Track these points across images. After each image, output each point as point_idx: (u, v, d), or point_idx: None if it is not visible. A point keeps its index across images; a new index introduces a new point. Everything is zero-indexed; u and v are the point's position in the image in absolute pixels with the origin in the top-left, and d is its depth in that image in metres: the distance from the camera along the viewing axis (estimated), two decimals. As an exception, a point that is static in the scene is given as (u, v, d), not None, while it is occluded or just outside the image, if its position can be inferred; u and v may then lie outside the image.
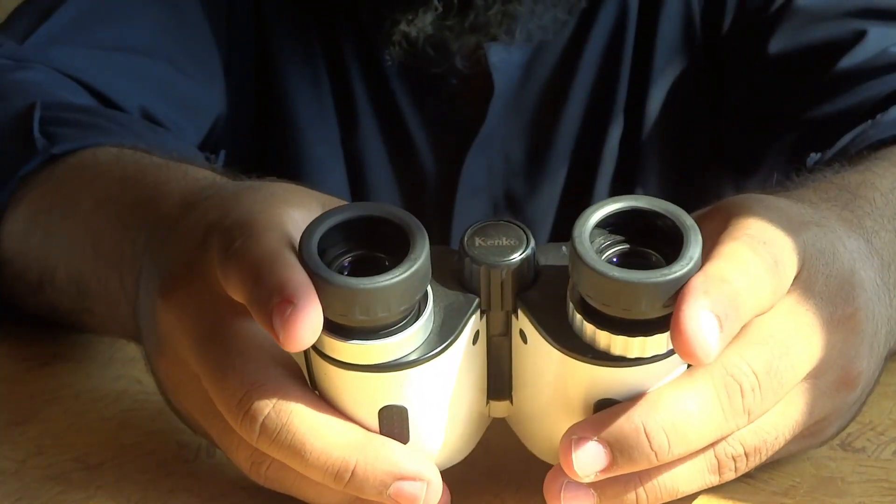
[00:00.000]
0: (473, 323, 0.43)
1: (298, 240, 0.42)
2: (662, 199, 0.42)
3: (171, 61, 0.79)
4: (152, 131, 0.70)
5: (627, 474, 0.42)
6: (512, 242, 0.43)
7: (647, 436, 0.40)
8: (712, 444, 0.42)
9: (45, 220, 0.60)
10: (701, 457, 0.42)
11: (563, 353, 0.42)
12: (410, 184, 0.87)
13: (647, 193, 0.86)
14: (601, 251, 0.41)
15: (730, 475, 0.43)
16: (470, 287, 0.43)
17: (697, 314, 0.39)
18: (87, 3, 0.77)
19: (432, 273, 0.42)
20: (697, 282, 0.40)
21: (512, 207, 0.88)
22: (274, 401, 0.41)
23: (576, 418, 0.42)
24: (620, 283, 0.39)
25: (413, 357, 0.42)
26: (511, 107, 0.85)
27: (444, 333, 0.42)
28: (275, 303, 0.39)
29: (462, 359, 0.43)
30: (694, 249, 0.40)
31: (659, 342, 0.41)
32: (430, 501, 0.42)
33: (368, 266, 0.41)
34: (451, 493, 0.46)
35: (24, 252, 0.61)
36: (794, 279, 0.43)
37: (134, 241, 0.51)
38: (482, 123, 0.84)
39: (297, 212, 0.45)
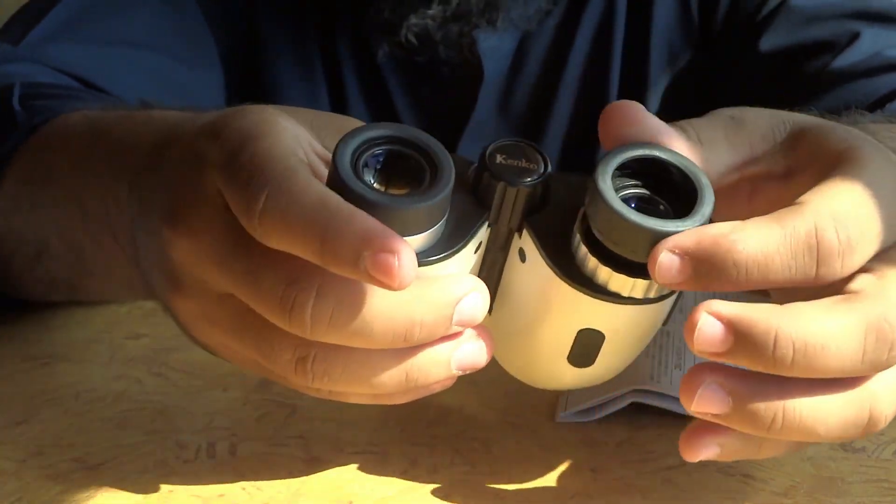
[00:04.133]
0: (480, 235, 0.44)
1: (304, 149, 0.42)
2: None
3: (170, 53, 0.79)
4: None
5: (766, 394, 0.40)
6: (531, 165, 0.44)
7: (774, 340, 0.39)
8: (867, 398, 0.41)
9: (28, 191, 0.60)
10: (856, 408, 0.41)
11: (561, 279, 0.43)
12: None
13: None
14: (618, 190, 0.42)
15: (869, 433, 0.41)
16: (483, 199, 0.44)
17: (665, 250, 0.40)
18: (83, 0, 0.78)
19: None
20: (712, 228, 0.40)
21: None
22: (316, 286, 0.40)
23: (553, 343, 0.43)
24: (635, 226, 0.40)
25: (421, 259, 0.42)
26: (502, 95, 0.86)
27: (453, 241, 0.43)
28: (368, 257, 0.38)
29: (462, 265, 0.44)
30: (707, 207, 0.41)
31: (654, 286, 0.42)
32: (485, 302, 0.42)
33: (397, 163, 0.42)
34: (452, 493, 0.46)
35: (17, 227, 0.61)
36: None
37: (116, 195, 0.50)
38: (473, 111, 0.85)
39: (289, 123, 0.44)
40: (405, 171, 0.42)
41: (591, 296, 0.42)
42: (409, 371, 0.42)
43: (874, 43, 0.75)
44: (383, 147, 0.42)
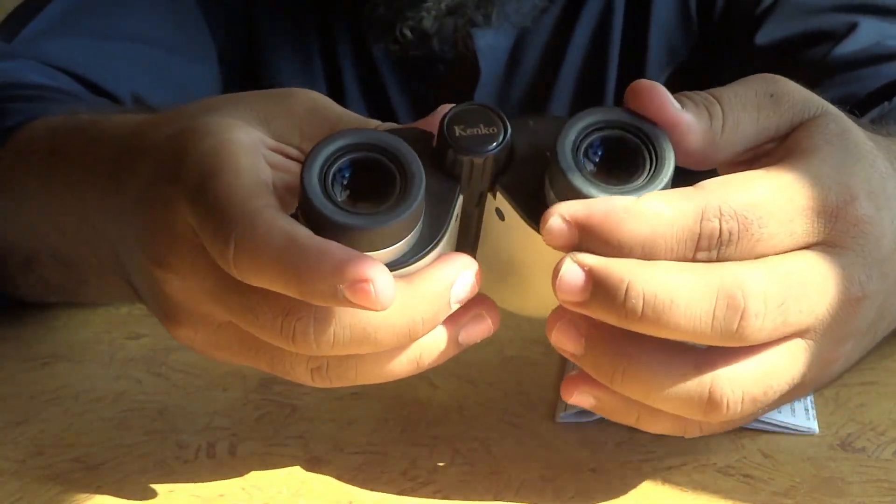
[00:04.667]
0: (457, 208, 0.44)
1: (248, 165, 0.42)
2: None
3: (167, 48, 0.79)
4: (107, 104, 0.70)
5: (615, 346, 0.41)
6: (491, 130, 0.43)
7: (626, 290, 0.40)
8: (707, 368, 0.41)
9: (3, 203, 0.60)
10: (695, 381, 0.41)
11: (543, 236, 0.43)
12: None
13: None
14: (585, 137, 0.42)
15: (713, 417, 0.42)
16: (451, 172, 0.44)
17: (556, 214, 0.41)
18: None
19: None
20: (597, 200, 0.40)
21: None
22: (312, 312, 0.41)
23: (546, 288, 0.43)
24: (574, 188, 0.41)
25: (409, 258, 0.42)
26: (499, 93, 0.86)
27: (434, 229, 0.43)
28: (345, 289, 0.39)
29: (446, 244, 0.44)
30: (663, 178, 0.41)
31: None
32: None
33: (366, 171, 0.42)
34: (452, 493, 0.46)
35: (2, 234, 0.61)
36: (832, 242, 0.42)
37: (88, 219, 0.50)
38: None
39: (243, 134, 0.44)
40: (376, 177, 0.42)
41: None
42: (420, 358, 0.43)
43: (873, 33, 0.74)
44: (350, 156, 0.42)
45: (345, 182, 0.42)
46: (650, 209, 0.40)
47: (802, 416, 0.50)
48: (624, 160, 0.42)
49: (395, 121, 0.87)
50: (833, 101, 0.71)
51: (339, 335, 0.41)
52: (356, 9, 0.83)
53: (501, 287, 0.47)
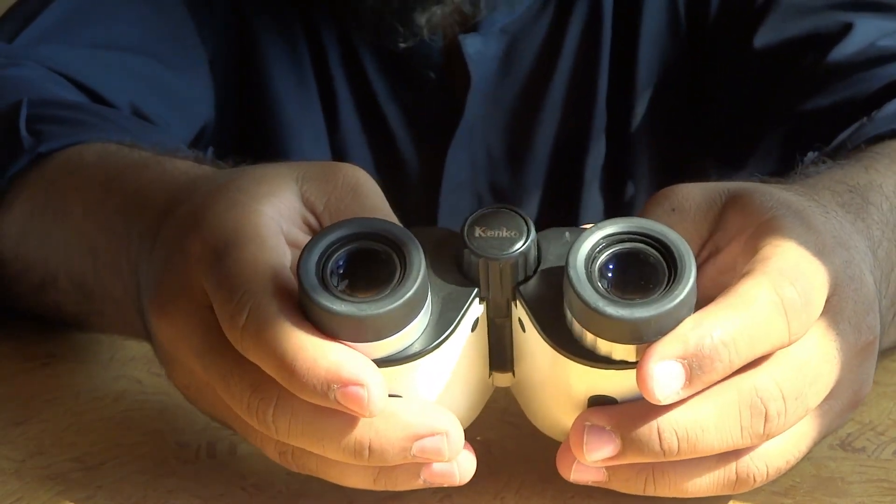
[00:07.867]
0: (472, 313, 0.43)
1: (273, 239, 0.43)
2: (654, 191, 0.42)
3: (158, 58, 0.79)
4: (140, 126, 0.70)
5: (640, 464, 0.42)
6: (512, 234, 0.43)
7: (659, 435, 0.41)
8: (733, 457, 0.42)
9: (39, 223, 0.60)
10: (722, 469, 0.42)
11: (557, 351, 0.42)
12: (394, 179, 0.87)
13: (636, 185, 0.87)
14: (600, 251, 0.41)
15: (742, 490, 0.43)
16: (469, 276, 0.43)
17: (660, 363, 0.40)
18: (74, 3, 0.78)
19: (432, 258, 0.42)
20: (684, 326, 0.40)
21: (497, 200, 0.88)
22: (276, 397, 0.41)
23: (570, 407, 0.43)
24: (606, 318, 0.40)
25: (410, 352, 0.42)
26: (490, 99, 0.86)
27: (441, 326, 0.42)
28: (338, 390, 0.40)
29: (460, 347, 0.43)
30: (683, 288, 0.40)
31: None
32: (454, 450, 0.42)
33: (364, 261, 0.42)
34: (452, 493, 0.46)
35: (24, 254, 0.61)
36: (825, 303, 0.43)
37: (128, 250, 0.51)
38: (462, 117, 0.85)
39: (269, 207, 0.45)
40: (375, 267, 0.41)
41: (591, 365, 0.41)
42: (377, 478, 0.43)
43: (867, 34, 0.74)
44: (348, 247, 0.42)
45: (341, 272, 0.42)
46: (728, 319, 0.40)
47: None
48: (640, 271, 0.41)
49: (388, 129, 0.87)
50: (831, 108, 0.71)
51: (293, 426, 0.41)
52: (345, 8, 0.82)
53: (532, 403, 0.46)
